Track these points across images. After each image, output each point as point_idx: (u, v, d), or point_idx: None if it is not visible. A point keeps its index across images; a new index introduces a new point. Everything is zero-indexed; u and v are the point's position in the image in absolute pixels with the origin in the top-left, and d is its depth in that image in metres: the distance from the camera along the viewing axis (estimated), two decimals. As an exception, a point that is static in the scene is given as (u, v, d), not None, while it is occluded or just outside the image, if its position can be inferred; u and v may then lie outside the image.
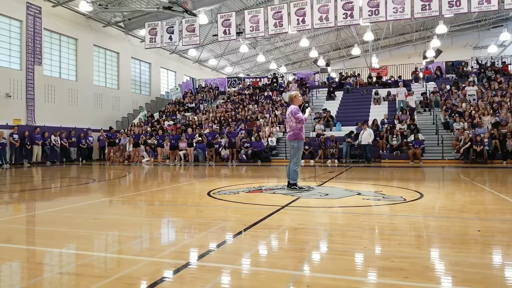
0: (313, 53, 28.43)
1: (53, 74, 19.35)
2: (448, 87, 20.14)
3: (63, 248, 3.28)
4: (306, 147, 16.01)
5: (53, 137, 17.67)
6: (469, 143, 14.34)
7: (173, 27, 18.08)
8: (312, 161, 15.87)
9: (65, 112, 19.36)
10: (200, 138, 17.77)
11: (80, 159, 18.87)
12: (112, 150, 18.05)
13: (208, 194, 6.50)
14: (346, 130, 17.36)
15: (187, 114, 22.64)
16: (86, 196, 6.91)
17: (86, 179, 10.07)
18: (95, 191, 7.77)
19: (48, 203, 5.98)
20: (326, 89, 23.12)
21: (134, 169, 13.82)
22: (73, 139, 18.62)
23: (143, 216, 5.03)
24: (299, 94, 7.21)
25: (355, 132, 16.48)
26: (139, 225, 4.38)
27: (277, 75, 26.55)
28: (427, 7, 14.44)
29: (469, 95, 18.65)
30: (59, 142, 17.91)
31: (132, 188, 8.33)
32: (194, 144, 17.45)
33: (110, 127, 20.29)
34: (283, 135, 17.85)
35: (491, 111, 16.42)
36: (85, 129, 19.70)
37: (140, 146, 18.12)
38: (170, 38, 18.24)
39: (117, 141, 18.45)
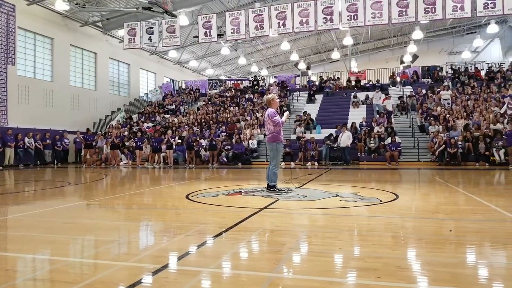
0: (294, 57, 28.66)
1: (27, 74, 18.81)
2: (424, 91, 20.65)
3: (36, 253, 3.19)
4: (287, 149, 16.12)
5: (26, 139, 17.13)
6: (444, 145, 14.74)
7: (152, 28, 17.86)
8: (292, 163, 15.97)
9: (40, 114, 18.84)
10: (179, 141, 17.60)
11: (55, 161, 18.37)
12: (89, 153, 17.66)
13: (187, 197, 6.44)
14: (325, 132, 17.55)
15: (167, 116, 22.41)
16: (61, 199, 6.74)
17: (61, 182, 9.83)
18: (70, 194, 7.58)
19: (21, 207, 5.80)
20: (307, 92, 23.34)
21: (112, 172, 13.56)
22: (48, 141, 18.08)
23: (119, 220, 4.94)
24: (276, 97, 7.29)
25: (334, 135, 16.69)
26: (115, 229, 4.30)
27: (258, 78, 26.62)
28: (404, 13, 14.79)
29: (443, 99, 19.19)
30: (33, 144, 17.37)
31: (109, 191, 8.18)
32: (174, 147, 17.26)
33: (88, 129, 19.86)
34: (264, 137, 17.90)
35: (465, 115, 16.94)
36: (60, 131, 19.21)
37: (118, 148, 17.78)
38: (150, 39, 18.00)
39: (94, 143, 18.07)
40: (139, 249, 3.41)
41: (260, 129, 18.69)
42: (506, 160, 13.72)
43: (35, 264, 2.97)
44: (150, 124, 21.05)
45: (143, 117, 22.67)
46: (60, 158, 18.67)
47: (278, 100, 7.30)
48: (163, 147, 17.14)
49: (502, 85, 19.21)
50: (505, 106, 15.94)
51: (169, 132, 18.00)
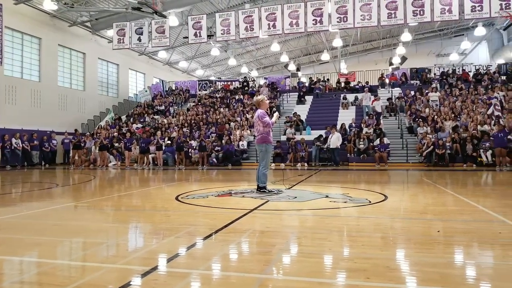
0: (284, 58, 28.73)
1: (15, 74, 18.50)
2: (412, 92, 20.87)
3: (23, 256, 3.13)
4: (277, 150, 16.15)
5: (14, 140, 16.84)
6: (432, 146, 14.92)
7: (142, 28, 17.76)
8: (282, 164, 15.99)
9: (27, 114, 18.55)
10: (169, 142, 17.47)
11: (43, 163, 18.09)
12: (77, 154, 17.43)
13: (177, 198, 6.40)
14: (315, 134, 17.62)
15: (156, 117, 22.27)
16: (49, 201, 6.64)
17: (48, 184, 9.68)
18: (58, 196, 7.48)
19: (8, 209, 5.69)
20: (297, 93, 23.42)
21: (100, 174, 13.42)
22: (35, 142, 17.81)
23: (108, 222, 4.89)
24: (266, 99, 7.31)
25: (324, 136, 16.76)
26: (103, 231, 4.26)
27: (248, 79, 26.62)
28: (393, 15, 14.96)
29: (432, 100, 19.43)
30: (21, 145, 17.10)
31: (98, 193, 8.08)
32: (163, 148, 17.14)
33: (76, 130, 19.64)
34: (254, 138, 17.90)
35: (453, 116, 17.17)
36: (48, 132, 18.93)
37: (107, 149, 17.58)
38: (139, 39, 17.90)
39: (82, 144, 17.84)
40: (128, 251, 3.37)
41: (250, 130, 18.69)
42: (493, 161, 13.93)
43: (22, 266, 2.92)
44: (139, 125, 20.89)
45: (132, 118, 22.48)
46: (48, 159, 18.39)
47: (268, 102, 7.32)
48: (152, 148, 17.01)
49: (489, 87, 19.54)
50: (492, 108, 16.20)
51: (159, 133, 17.87)
